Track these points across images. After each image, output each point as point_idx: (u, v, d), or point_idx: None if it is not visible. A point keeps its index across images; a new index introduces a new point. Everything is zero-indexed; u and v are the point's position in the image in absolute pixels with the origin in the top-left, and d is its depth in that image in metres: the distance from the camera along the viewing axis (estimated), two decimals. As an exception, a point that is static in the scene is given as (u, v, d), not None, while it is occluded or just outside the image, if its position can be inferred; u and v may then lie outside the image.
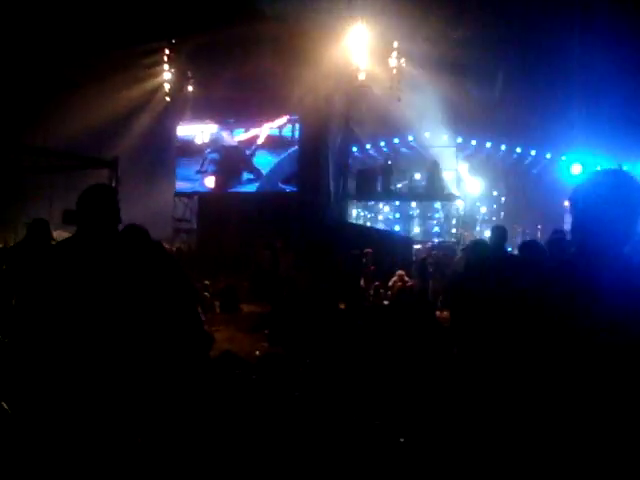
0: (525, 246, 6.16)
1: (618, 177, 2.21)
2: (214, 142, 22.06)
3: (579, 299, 2.12)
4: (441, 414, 5.08)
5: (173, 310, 4.48)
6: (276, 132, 21.03)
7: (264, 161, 21.19)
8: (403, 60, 20.81)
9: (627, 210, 2.14)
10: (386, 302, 14.15)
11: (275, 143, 21.01)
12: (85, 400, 3.14)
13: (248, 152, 21.44)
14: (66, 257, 3.40)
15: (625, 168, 24.70)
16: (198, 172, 22.22)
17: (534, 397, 2.17)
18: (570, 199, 2.26)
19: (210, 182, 22.10)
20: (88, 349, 3.19)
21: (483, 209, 32.93)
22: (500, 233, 6.37)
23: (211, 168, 22.15)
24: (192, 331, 4.71)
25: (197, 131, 22.32)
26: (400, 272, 15.41)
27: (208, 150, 22.11)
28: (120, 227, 3.81)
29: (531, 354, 2.21)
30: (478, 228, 32.60)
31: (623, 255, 2.15)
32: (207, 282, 15.06)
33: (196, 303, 5.38)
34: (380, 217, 30.46)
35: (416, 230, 29.05)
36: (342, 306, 12.37)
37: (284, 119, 20.81)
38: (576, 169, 20.29)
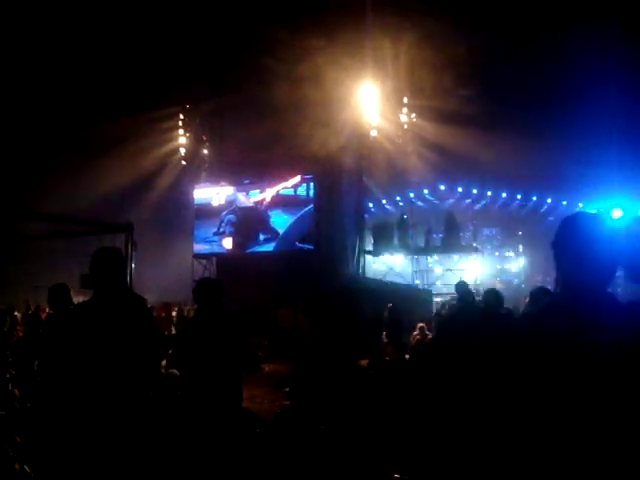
0: (536, 293, 6.13)
1: (597, 220, 2.28)
2: (230, 204, 22.23)
3: (569, 336, 2.16)
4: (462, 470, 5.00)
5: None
6: (291, 192, 21.11)
7: (280, 220, 21.25)
8: (414, 115, 21.06)
9: (608, 250, 2.21)
10: (407, 356, 14.01)
11: (290, 202, 21.09)
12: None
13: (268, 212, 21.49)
14: (82, 320, 3.62)
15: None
16: (215, 234, 22.37)
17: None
18: (553, 244, 2.32)
19: (228, 243, 22.22)
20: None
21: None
22: (492, 297, 6.36)
23: (228, 229, 22.29)
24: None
25: (213, 194, 22.52)
26: (421, 325, 15.28)
27: (225, 212, 22.29)
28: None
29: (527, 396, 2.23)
30: (498, 278, 32.49)
31: (607, 293, 2.21)
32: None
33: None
34: (398, 271, 30.37)
35: (438, 283, 28.89)
36: (364, 362, 12.27)
37: (297, 178, 20.92)
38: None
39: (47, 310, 13.56)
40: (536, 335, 2.24)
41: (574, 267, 2.23)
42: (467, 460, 4.57)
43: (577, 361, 2.12)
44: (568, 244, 2.26)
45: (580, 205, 27.78)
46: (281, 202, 21.29)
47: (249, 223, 21.94)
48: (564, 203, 30.00)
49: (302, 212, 20.79)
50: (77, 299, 5.87)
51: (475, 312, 6.27)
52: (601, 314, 2.14)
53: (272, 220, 21.41)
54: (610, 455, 2.07)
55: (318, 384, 8.81)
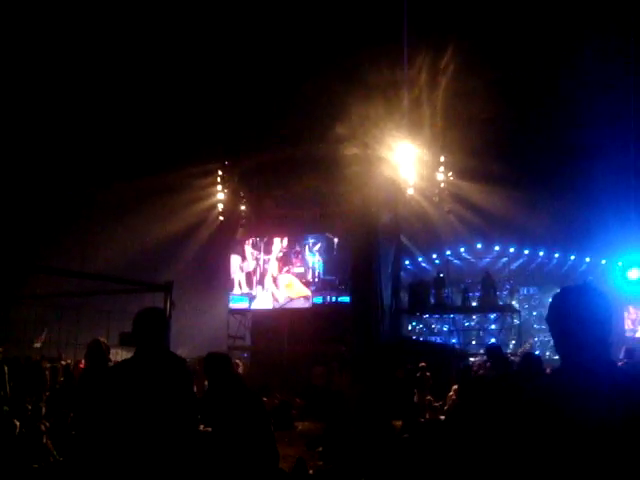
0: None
1: (587, 292, 2.34)
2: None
3: (573, 408, 2.18)
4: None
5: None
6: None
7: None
8: (450, 174, 21.08)
9: (601, 321, 2.26)
10: (442, 417, 13.79)
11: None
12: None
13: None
14: (123, 379, 3.68)
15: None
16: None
17: None
18: (547, 319, 2.38)
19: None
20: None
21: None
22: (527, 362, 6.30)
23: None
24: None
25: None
26: (456, 386, 15.04)
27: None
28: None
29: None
30: (536, 338, 31.95)
31: (607, 363, 2.25)
32: (264, 399, 14.94)
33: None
34: (435, 330, 30.08)
35: (473, 342, 28.49)
36: (398, 423, 12.10)
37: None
38: (633, 274, 19.66)
39: (82, 363, 13.70)
40: (538, 408, 2.28)
41: (567, 342, 2.29)
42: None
43: (578, 434, 2.14)
44: (559, 320, 2.33)
45: (619, 264, 27.44)
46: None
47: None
48: (603, 262, 29.62)
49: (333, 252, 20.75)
50: (115, 357, 5.92)
51: (506, 378, 6.21)
52: (598, 386, 2.18)
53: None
54: None
55: (351, 444, 8.73)
